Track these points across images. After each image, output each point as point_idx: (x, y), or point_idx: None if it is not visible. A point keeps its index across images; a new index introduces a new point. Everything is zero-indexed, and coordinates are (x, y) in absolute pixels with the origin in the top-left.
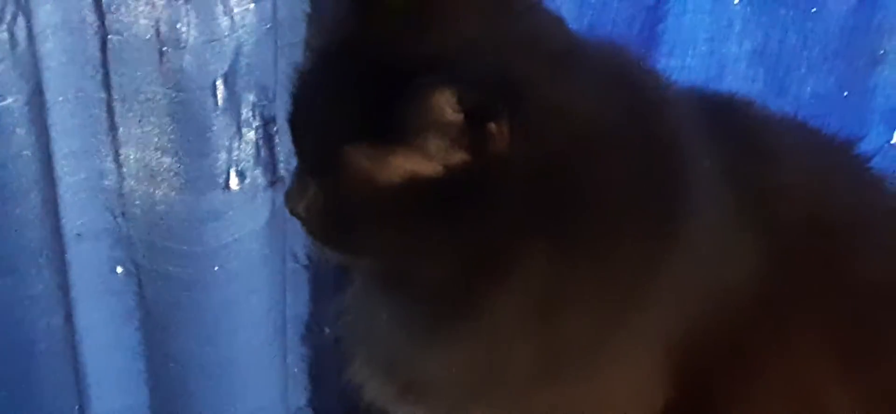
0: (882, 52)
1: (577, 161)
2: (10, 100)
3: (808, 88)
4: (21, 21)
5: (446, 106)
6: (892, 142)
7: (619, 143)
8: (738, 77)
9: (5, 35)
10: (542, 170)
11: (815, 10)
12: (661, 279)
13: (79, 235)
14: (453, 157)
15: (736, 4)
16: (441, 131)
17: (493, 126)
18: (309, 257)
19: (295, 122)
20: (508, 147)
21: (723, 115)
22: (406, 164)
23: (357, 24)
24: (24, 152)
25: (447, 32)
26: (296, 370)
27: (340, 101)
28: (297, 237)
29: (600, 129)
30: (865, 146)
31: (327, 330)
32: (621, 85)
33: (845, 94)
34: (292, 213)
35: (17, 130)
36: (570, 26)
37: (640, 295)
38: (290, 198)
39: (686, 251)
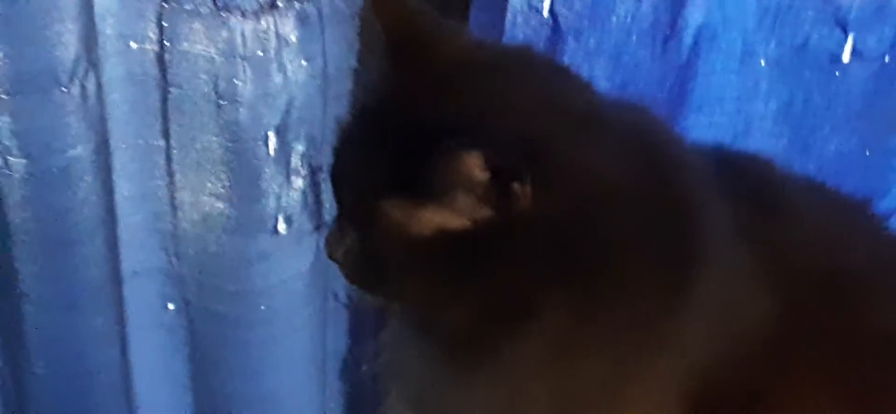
0: None
1: (596, 218)
2: (79, 149)
3: (832, 147)
4: (91, 76)
5: (474, 167)
6: None
7: (636, 200)
8: (765, 134)
9: (77, 89)
10: (562, 225)
11: (838, 73)
12: (675, 328)
13: (135, 272)
14: (480, 214)
15: (763, 65)
16: (469, 189)
17: (517, 186)
18: (349, 297)
19: (335, 174)
20: (531, 205)
21: (742, 173)
22: (436, 219)
23: (393, 86)
24: (91, 198)
25: (478, 95)
26: (333, 405)
27: (377, 157)
28: (339, 278)
29: (618, 188)
30: (887, 203)
31: (365, 367)
32: (641, 145)
33: (868, 153)
34: (331, 258)
35: (85, 178)
36: (605, 84)
37: (654, 344)
38: (329, 244)
39: (700, 303)
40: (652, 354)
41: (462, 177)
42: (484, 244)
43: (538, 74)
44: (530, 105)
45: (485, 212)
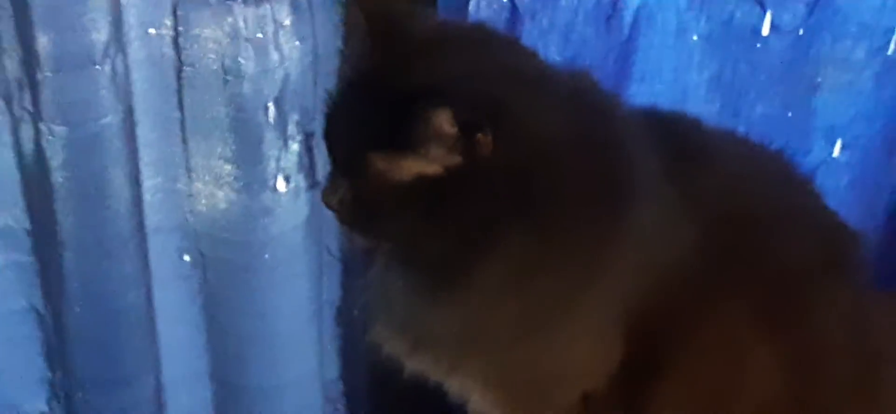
0: (820, 79)
1: (545, 163)
2: (109, 118)
3: (758, 110)
4: (119, 56)
5: (444, 122)
6: (834, 155)
7: (577, 149)
8: (700, 101)
9: (108, 67)
10: (518, 170)
11: (759, 45)
12: (614, 256)
13: (156, 228)
14: (450, 161)
15: (695, 40)
16: (441, 141)
17: (480, 137)
18: (341, 251)
19: (329, 135)
20: (492, 153)
21: (670, 128)
22: (415, 167)
23: (374, 60)
24: (119, 160)
25: (444, 65)
26: (329, 347)
27: (363, 119)
28: (332, 235)
29: (563, 138)
30: (810, 160)
31: (356, 313)
32: (581, 104)
33: (790, 114)
34: (327, 206)
35: (115, 142)
36: (557, 59)
37: (597, 268)
38: (325, 194)
39: (633, 234)
40: (595, 276)
41: (435, 131)
42: (455, 186)
43: (494, 46)
44: (488, 71)
45: (454, 159)
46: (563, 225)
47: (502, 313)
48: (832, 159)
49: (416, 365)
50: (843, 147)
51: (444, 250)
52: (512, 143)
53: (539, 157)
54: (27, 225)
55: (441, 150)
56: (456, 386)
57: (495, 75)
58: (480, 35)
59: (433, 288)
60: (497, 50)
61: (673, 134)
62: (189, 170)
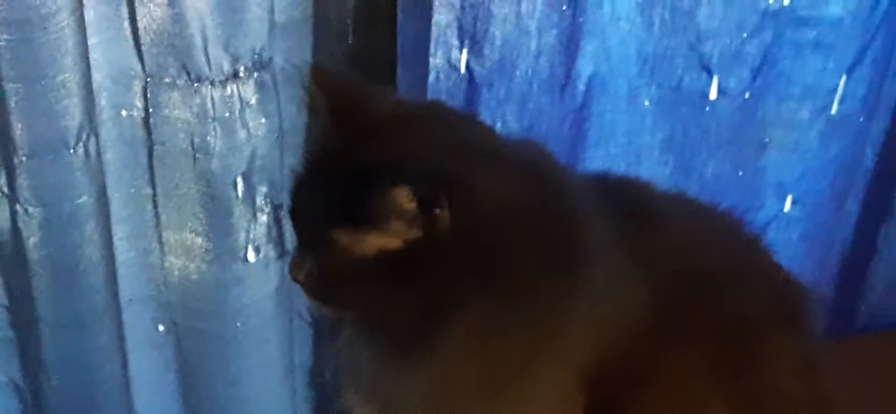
0: (768, 139)
1: (500, 232)
2: (84, 198)
3: (710, 170)
4: (92, 139)
5: (404, 198)
6: (784, 210)
7: (531, 217)
8: (653, 162)
9: (82, 150)
10: (475, 239)
11: (708, 108)
12: (571, 317)
13: (130, 299)
14: (410, 235)
15: (647, 105)
16: (400, 217)
17: (438, 211)
18: (312, 316)
19: (294, 212)
20: (450, 225)
21: (620, 192)
22: (376, 241)
23: (335, 139)
24: (94, 237)
25: (402, 143)
26: (302, 409)
27: (326, 195)
28: (303, 301)
29: (517, 208)
30: (762, 216)
31: (328, 375)
32: (533, 174)
33: (740, 173)
34: (294, 279)
35: (90, 221)
36: (515, 126)
37: (555, 329)
38: (292, 268)
39: (588, 295)
40: (553, 337)
41: (394, 207)
42: (415, 259)
43: (448, 122)
44: (444, 146)
45: (414, 233)
46: (520, 290)
47: (466, 377)
48: (783, 214)
49: None
50: (794, 202)
51: (407, 319)
52: (468, 215)
53: (495, 226)
54: (5, 301)
55: (401, 225)
56: None
57: (451, 151)
58: (436, 112)
59: (398, 355)
60: (452, 126)
61: (624, 198)
62: (161, 243)
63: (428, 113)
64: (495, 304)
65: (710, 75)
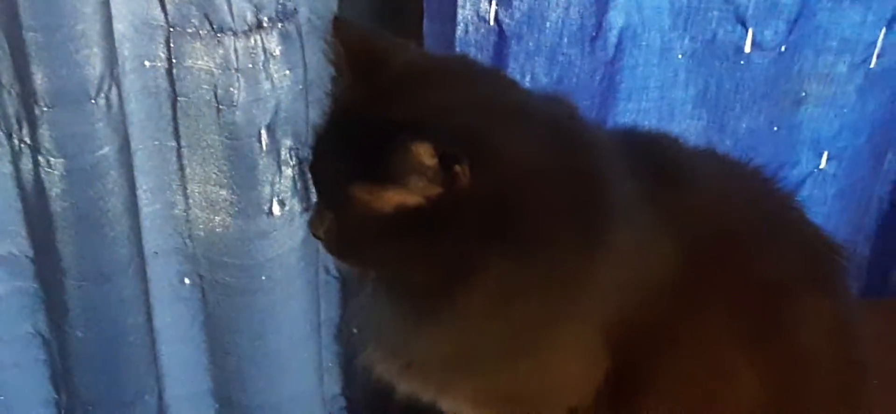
0: (804, 94)
1: (523, 190)
2: (106, 149)
3: (744, 125)
4: (114, 90)
5: (424, 154)
6: (820, 167)
7: (554, 176)
8: (686, 117)
9: (103, 101)
10: (497, 198)
11: (742, 62)
12: (595, 277)
13: (155, 253)
14: (431, 192)
15: (680, 58)
16: (421, 173)
17: (459, 168)
18: (338, 270)
19: (314, 168)
20: (471, 182)
21: (650, 149)
22: (396, 198)
23: (356, 94)
24: (116, 189)
25: (424, 98)
26: (330, 364)
27: (346, 152)
28: (328, 255)
29: (541, 166)
30: (797, 172)
31: (355, 330)
32: (559, 130)
33: (776, 128)
34: (314, 236)
35: (112, 173)
36: (544, 80)
37: (578, 289)
38: (312, 224)
39: (613, 255)
40: (576, 297)
41: (415, 163)
42: (435, 216)
43: (473, 77)
44: (467, 102)
45: (435, 190)
46: (542, 249)
47: (487, 336)
48: (819, 171)
49: (406, 386)
50: (830, 159)
51: (427, 277)
52: (490, 173)
53: (517, 185)
54: (29, 252)
55: (421, 182)
56: (447, 405)
57: (474, 107)
58: (460, 67)
59: (419, 314)
60: (476, 81)
61: (653, 154)
62: (186, 196)
63: (451, 68)
64: (517, 263)
65: (745, 28)
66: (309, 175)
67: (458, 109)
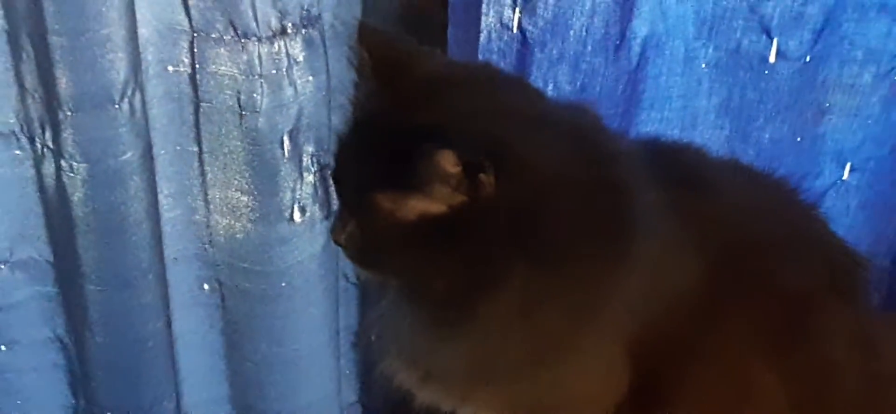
0: (828, 104)
1: (546, 200)
2: (129, 154)
3: (767, 135)
4: (137, 95)
5: (448, 163)
6: (843, 178)
7: (577, 185)
8: (709, 126)
9: (126, 106)
10: (520, 207)
11: (767, 72)
12: (617, 288)
13: (175, 258)
14: (454, 200)
15: (703, 68)
16: (445, 181)
17: (483, 176)
18: (358, 277)
19: (336, 175)
20: (495, 191)
21: (674, 159)
22: (419, 206)
23: (380, 101)
24: (139, 194)
25: (448, 106)
26: (347, 372)
27: (369, 159)
28: (349, 263)
29: (563, 175)
30: (820, 183)
31: (374, 338)
32: (581, 140)
33: (799, 139)
34: (336, 243)
35: (134, 178)
36: (567, 88)
37: (601, 301)
38: (334, 231)
39: (636, 266)
40: (599, 308)
41: (439, 171)
42: (459, 225)
43: (497, 85)
44: (491, 111)
45: (458, 198)
46: (565, 260)
47: (509, 347)
48: (842, 182)
49: (426, 396)
50: (853, 170)
51: (449, 286)
52: (514, 182)
53: (541, 194)
54: (50, 257)
55: (445, 190)
56: None
57: (498, 115)
58: (485, 75)
59: (440, 323)
60: (500, 89)
61: (676, 164)
62: (207, 202)
63: (475, 75)
64: (539, 273)
65: (770, 38)
66: (331, 182)
67: (483, 117)
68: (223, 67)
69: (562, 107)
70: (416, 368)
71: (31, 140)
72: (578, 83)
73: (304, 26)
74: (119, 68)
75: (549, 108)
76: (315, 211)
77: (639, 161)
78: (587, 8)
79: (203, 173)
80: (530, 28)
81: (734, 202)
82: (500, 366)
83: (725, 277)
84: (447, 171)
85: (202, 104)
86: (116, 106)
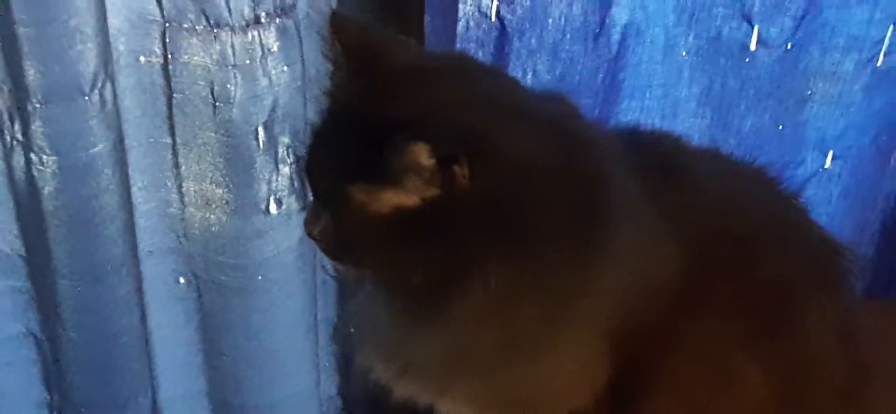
0: (809, 92)
1: (522, 191)
2: (100, 147)
3: (748, 124)
4: (108, 86)
5: (422, 155)
6: (825, 166)
7: (554, 176)
8: (690, 115)
9: (97, 97)
10: (495, 199)
11: (748, 59)
12: (595, 280)
13: (150, 251)
14: (428, 193)
15: (684, 56)
16: (418, 173)
17: (457, 168)
18: (336, 270)
19: (309, 167)
20: (470, 184)
21: (652, 148)
22: (393, 199)
23: (353, 92)
24: (111, 187)
25: (421, 97)
26: (327, 364)
27: (343, 152)
28: None
29: (539, 167)
30: (802, 172)
31: (352, 330)
32: (558, 131)
33: (780, 127)
34: (309, 236)
35: (105, 171)
36: (546, 77)
37: (578, 292)
38: (307, 224)
39: (614, 257)
40: (576, 300)
41: (412, 163)
42: (433, 218)
43: (471, 76)
44: (466, 101)
45: (432, 191)
46: (542, 252)
47: (485, 340)
48: (824, 170)
49: (404, 390)
50: (835, 158)
51: (424, 280)
52: (489, 174)
53: (516, 186)
54: (22, 251)
55: (419, 183)
56: (446, 409)
57: (472, 106)
58: (459, 65)
59: (416, 316)
60: (475, 80)
61: (655, 154)
62: (181, 194)
63: (450, 66)
64: (516, 266)
65: (751, 25)
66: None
67: (457, 109)
68: (196, 58)
69: (538, 96)
70: (393, 361)
71: (0, 133)
72: (558, 72)
73: (279, 15)
74: (89, 59)
75: (525, 97)
76: (291, 203)
77: (617, 151)
78: None
79: (177, 166)
80: (509, 16)
81: (713, 192)
82: (476, 359)
83: (705, 267)
84: (420, 164)
85: (175, 95)
86: (87, 97)
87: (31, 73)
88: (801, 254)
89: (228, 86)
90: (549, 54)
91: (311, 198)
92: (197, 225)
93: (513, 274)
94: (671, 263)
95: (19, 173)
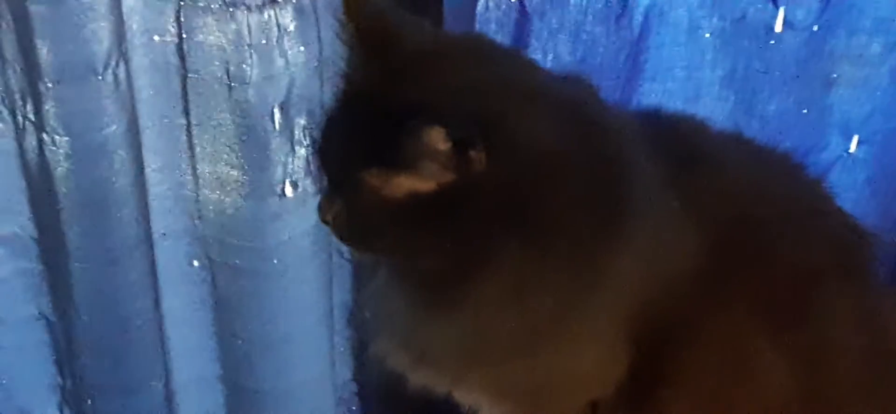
0: (835, 75)
1: (540, 177)
2: (113, 127)
3: (772, 107)
4: (122, 65)
5: (437, 139)
6: (850, 151)
7: (572, 161)
8: (713, 98)
9: (110, 77)
10: (512, 184)
11: (773, 42)
12: (614, 266)
13: (164, 234)
14: (444, 178)
15: (707, 37)
16: (434, 158)
17: (473, 153)
18: (351, 254)
19: (323, 152)
20: (486, 168)
21: (673, 133)
22: (407, 184)
23: (368, 76)
24: (124, 169)
25: (438, 80)
26: (342, 349)
27: (357, 136)
28: None
29: (558, 151)
30: (826, 156)
31: (368, 315)
32: (577, 114)
33: (805, 111)
34: (323, 221)
35: (119, 152)
36: (567, 58)
37: (597, 279)
38: (320, 209)
39: (634, 243)
40: (593, 289)
41: (428, 148)
42: (448, 203)
43: (489, 58)
44: (483, 84)
45: (448, 176)
46: (559, 238)
47: (502, 327)
48: (849, 155)
49: (419, 378)
50: (860, 143)
51: (439, 266)
52: (506, 158)
53: (533, 171)
54: (34, 233)
55: (434, 167)
56: (462, 397)
57: (489, 89)
58: (476, 47)
59: (431, 303)
60: (492, 63)
61: (677, 138)
62: (196, 176)
63: (467, 48)
64: (533, 252)
65: (776, 6)
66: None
67: (474, 92)
68: (211, 37)
69: (557, 79)
70: (409, 350)
71: (12, 113)
72: (579, 54)
73: None
74: (102, 38)
75: (544, 80)
76: (307, 186)
77: (637, 135)
78: None
79: (191, 147)
80: None
81: (736, 177)
82: (492, 347)
83: (727, 254)
84: (436, 149)
85: (189, 75)
86: (100, 77)
87: (43, 53)
88: (825, 240)
89: (244, 66)
90: (571, 35)
91: (325, 181)
92: (211, 207)
93: (529, 260)
94: (692, 250)
95: (32, 154)
